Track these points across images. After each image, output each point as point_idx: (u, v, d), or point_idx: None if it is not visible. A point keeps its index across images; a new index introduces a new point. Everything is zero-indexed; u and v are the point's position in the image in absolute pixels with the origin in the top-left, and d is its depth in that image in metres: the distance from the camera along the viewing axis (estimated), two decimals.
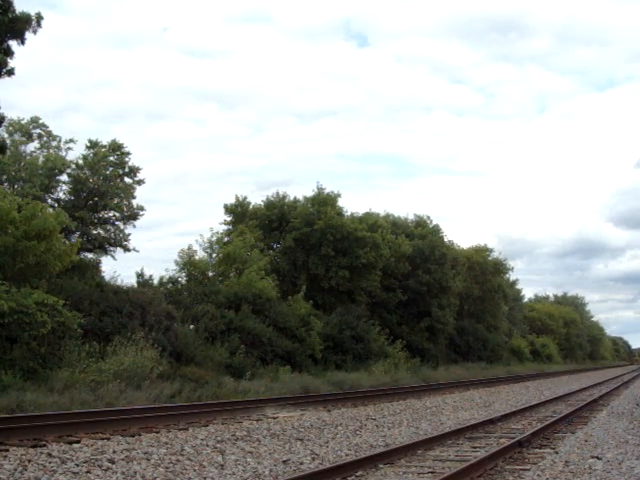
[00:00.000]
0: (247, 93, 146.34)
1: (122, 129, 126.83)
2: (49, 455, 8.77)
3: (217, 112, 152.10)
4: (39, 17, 17.36)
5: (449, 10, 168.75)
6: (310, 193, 36.07)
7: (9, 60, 17.15)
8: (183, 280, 28.74)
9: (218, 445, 10.37)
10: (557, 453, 10.14)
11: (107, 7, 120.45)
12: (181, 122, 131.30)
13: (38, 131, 27.58)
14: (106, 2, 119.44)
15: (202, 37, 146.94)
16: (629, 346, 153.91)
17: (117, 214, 27.79)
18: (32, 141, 27.50)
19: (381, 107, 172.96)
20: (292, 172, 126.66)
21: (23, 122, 27.18)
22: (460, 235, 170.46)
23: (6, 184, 24.91)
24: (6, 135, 25.51)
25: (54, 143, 27.76)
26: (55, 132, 28.24)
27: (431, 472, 8.59)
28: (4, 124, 21.46)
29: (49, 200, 26.10)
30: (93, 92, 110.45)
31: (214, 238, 31.92)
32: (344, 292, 34.46)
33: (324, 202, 34.70)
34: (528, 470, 8.78)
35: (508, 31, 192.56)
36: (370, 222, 35.91)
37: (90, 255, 27.14)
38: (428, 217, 44.72)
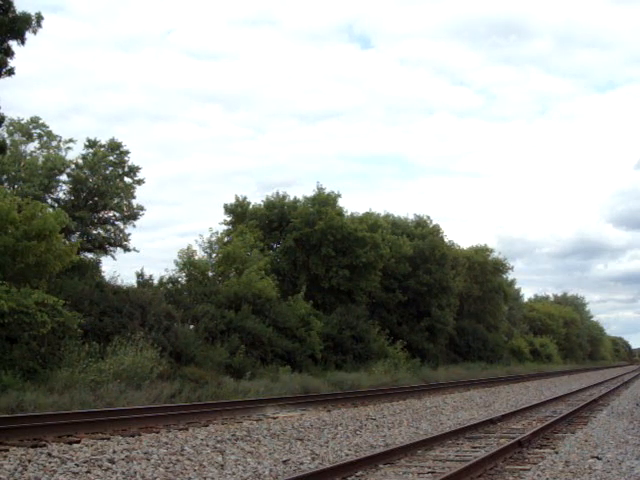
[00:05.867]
0: (250, 95, 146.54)
1: (125, 130, 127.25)
2: (49, 455, 8.76)
3: (220, 113, 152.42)
4: (39, 17, 17.36)
5: (451, 13, 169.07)
6: (311, 193, 36.14)
7: (9, 60, 17.16)
8: (183, 280, 28.73)
9: (218, 445, 10.36)
10: (557, 453, 10.13)
11: (111, 10, 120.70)
12: (184, 123, 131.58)
13: (38, 131, 27.59)
14: (110, 5, 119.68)
15: (205, 39, 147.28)
16: (629, 346, 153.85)
17: (117, 214, 27.80)
18: (32, 141, 27.53)
19: (383, 108, 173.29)
20: (294, 173, 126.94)
21: (23, 122, 27.18)
22: (461, 235, 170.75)
23: (6, 184, 24.91)
24: (6, 135, 25.52)
25: (54, 143, 27.78)
26: (59, 133, 28.33)
27: (431, 472, 8.58)
28: (4, 124, 21.46)
29: (49, 200, 26.11)
30: (97, 94, 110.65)
31: (214, 238, 31.98)
32: (344, 292, 34.44)
33: (324, 202, 34.69)
34: (528, 470, 8.77)
35: (509, 34, 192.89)
36: (370, 222, 35.89)
37: (90, 255, 27.14)
38: (428, 217, 44.78)
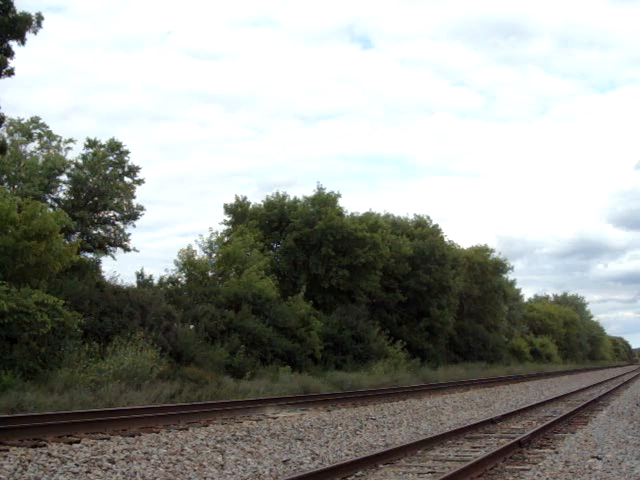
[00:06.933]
0: (250, 95, 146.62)
1: (126, 131, 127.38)
2: (49, 455, 8.76)
3: (221, 114, 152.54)
4: (39, 17, 17.36)
5: (451, 13, 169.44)
6: (311, 193, 36.15)
7: (9, 60, 17.15)
8: (183, 280, 28.73)
9: (218, 445, 10.36)
10: (557, 453, 10.13)
11: (112, 10, 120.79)
12: (185, 124, 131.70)
13: (38, 131, 27.58)
14: (111, 6, 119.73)
15: (206, 40, 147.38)
16: (629, 346, 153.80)
17: (117, 214, 27.79)
18: (32, 141, 27.51)
19: (384, 109, 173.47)
20: (295, 173, 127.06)
21: (23, 122, 27.18)
22: (461, 236, 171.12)
23: (6, 184, 24.89)
24: (6, 135, 25.51)
25: (54, 143, 27.78)
26: (59, 134, 28.32)
27: (431, 472, 8.58)
28: (4, 124, 21.44)
29: (49, 200, 26.09)
30: (98, 94, 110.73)
31: (213, 238, 31.99)
32: (344, 292, 34.45)
33: (324, 202, 34.70)
34: (528, 470, 8.77)
35: (509, 34, 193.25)
36: (370, 222, 35.90)
37: (90, 255, 27.13)
38: (428, 217, 44.84)
